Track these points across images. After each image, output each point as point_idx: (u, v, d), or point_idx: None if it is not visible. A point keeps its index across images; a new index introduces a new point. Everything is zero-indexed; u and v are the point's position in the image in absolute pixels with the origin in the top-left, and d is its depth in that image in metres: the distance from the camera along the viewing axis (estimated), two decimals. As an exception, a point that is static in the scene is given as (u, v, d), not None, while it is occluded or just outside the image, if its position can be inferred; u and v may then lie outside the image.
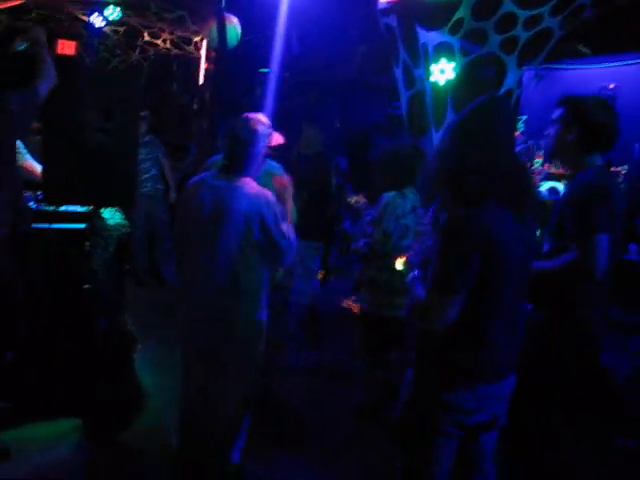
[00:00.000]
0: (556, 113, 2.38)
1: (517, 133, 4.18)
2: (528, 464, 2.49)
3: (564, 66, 4.77)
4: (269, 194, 2.58)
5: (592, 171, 2.33)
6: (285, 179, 2.79)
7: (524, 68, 4.26)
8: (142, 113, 6.19)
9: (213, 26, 4.16)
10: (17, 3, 5.55)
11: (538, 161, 4.33)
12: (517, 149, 2.84)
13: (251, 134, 2.55)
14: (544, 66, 4.49)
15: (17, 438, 3.08)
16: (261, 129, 2.58)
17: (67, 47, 7.43)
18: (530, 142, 2.78)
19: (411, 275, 2.07)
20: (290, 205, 2.79)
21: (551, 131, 2.40)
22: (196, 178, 2.72)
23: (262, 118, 2.64)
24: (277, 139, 2.75)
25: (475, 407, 1.87)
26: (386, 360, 3.53)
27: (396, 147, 3.61)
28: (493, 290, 1.81)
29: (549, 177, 3.96)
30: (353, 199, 4.33)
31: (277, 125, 2.86)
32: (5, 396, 3.31)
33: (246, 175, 2.57)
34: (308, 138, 4.75)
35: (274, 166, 2.94)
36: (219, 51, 4.40)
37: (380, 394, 3.47)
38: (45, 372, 3.49)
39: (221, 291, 2.57)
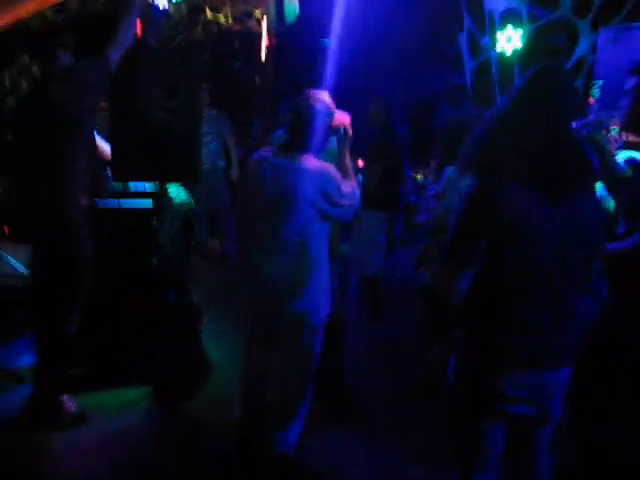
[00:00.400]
0: (628, 83, 2.24)
1: (591, 100, 3.95)
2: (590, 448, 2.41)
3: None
4: (330, 167, 2.58)
5: None
6: (344, 116, 2.74)
7: (599, 31, 4.01)
8: (204, 86, 6.25)
9: (270, 2, 4.14)
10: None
11: (615, 129, 4.08)
12: (587, 119, 2.68)
13: (312, 111, 2.55)
14: (624, 25, 4.20)
15: (92, 403, 3.27)
16: (322, 106, 2.57)
17: (133, 26, 7.60)
18: (604, 114, 2.62)
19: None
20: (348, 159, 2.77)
21: (624, 102, 2.26)
22: (257, 155, 2.74)
23: (324, 95, 2.62)
24: (343, 117, 2.73)
25: (514, 395, 1.80)
26: (446, 337, 3.49)
27: (459, 117, 3.50)
28: (521, 274, 1.73)
29: (628, 146, 3.74)
30: (418, 175, 4.27)
31: (341, 100, 2.83)
32: (80, 363, 3.50)
33: (307, 152, 2.58)
34: (375, 111, 4.71)
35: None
36: (279, 26, 4.39)
37: (437, 372, 3.44)
38: (117, 342, 3.67)
39: (284, 268, 2.60)
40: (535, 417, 1.85)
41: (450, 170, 3.29)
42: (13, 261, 5.34)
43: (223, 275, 5.52)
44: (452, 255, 1.81)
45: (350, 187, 2.63)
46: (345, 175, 2.68)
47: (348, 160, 2.76)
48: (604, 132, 3.13)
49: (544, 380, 1.82)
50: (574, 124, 2.57)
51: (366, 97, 5.00)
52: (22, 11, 4.48)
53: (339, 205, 2.57)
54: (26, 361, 3.61)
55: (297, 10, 4.31)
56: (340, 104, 2.73)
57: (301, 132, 2.56)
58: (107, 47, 2.96)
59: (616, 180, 2.44)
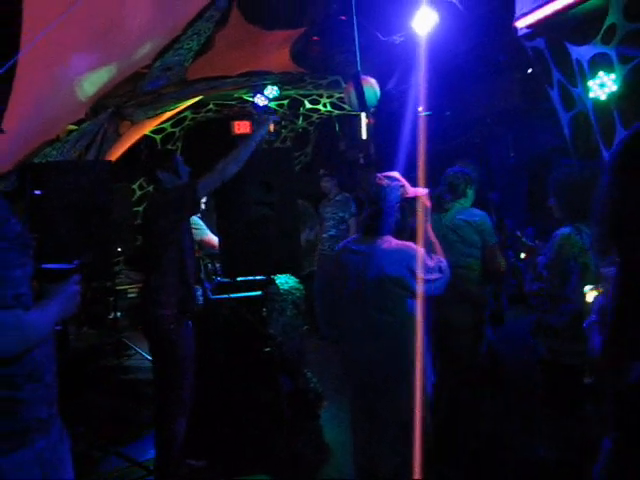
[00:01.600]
0: None
1: None
2: None
3: None
4: (410, 245, 2.56)
5: None
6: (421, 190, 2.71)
7: None
8: (321, 172, 6.47)
9: (351, 90, 4.32)
10: (197, 99, 6.32)
11: None
12: None
13: (379, 191, 2.59)
14: None
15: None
16: (388, 184, 2.61)
17: (242, 127, 8.25)
18: None
19: (588, 319, 1.88)
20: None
21: None
22: (341, 244, 2.82)
23: (393, 174, 2.66)
24: (418, 191, 2.72)
25: None
26: (575, 414, 3.18)
27: (574, 170, 3.29)
28: None
29: None
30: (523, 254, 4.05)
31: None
32: (200, 454, 3.63)
33: (386, 234, 2.59)
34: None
35: None
36: (364, 111, 4.57)
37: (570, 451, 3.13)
38: (236, 431, 3.77)
39: (380, 350, 2.58)
40: None
41: (562, 232, 3.08)
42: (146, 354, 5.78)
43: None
44: (618, 339, 1.60)
45: (435, 260, 2.59)
46: (430, 249, 2.65)
47: (431, 233, 2.72)
48: None
49: None
50: None
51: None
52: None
53: (426, 280, 2.53)
54: (154, 454, 3.81)
55: (378, 93, 4.44)
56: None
57: (374, 215, 2.59)
58: (203, 177, 3.24)
59: None
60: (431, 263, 2.55)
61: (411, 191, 2.70)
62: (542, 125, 7.47)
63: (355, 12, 4.03)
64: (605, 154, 4.00)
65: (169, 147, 7.75)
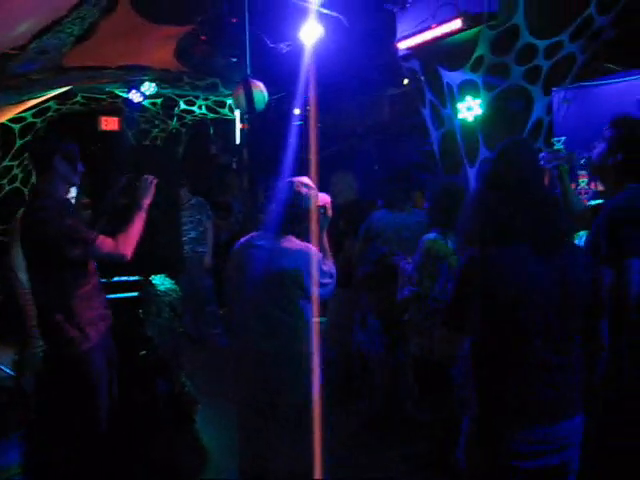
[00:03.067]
0: (606, 132, 2.33)
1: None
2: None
3: (595, 83, 4.70)
4: (311, 247, 2.66)
5: (631, 192, 2.26)
6: (325, 197, 2.85)
7: (553, 92, 4.24)
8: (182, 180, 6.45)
9: (240, 92, 4.35)
10: (64, 90, 5.93)
11: (583, 180, 4.24)
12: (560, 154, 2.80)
13: (297, 197, 2.66)
14: (575, 85, 4.45)
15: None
16: (304, 191, 2.69)
17: (110, 123, 7.88)
18: (576, 152, 2.76)
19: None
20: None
21: (599, 148, 2.35)
22: (242, 240, 2.84)
23: (306, 180, 2.75)
24: (324, 198, 2.85)
25: (529, 450, 1.83)
26: (442, 403, 3.46)
27: (449, 183, 3.60)
28: (520, 326, 1.82)
29: (597, 196, 3.88)
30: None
31: (318, 178, 2.93)
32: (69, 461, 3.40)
33: (290, 234, 2.67)
34: (339, 188, 4.84)
35: None
36: (252, 114, 4.62)
37: (441, 439, 3.40)
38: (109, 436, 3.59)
39: (275, 347, 2.62)
40: (552, 467, 1.87)
41: (427, 238, 3.35)
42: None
43: (214, 361, 5.47)
44: (451, 319, 1.96)
45: (329, 266, 2.71)
46: (324, 254, 2.76)
47: (326, 239, 2.85)
48: (572, 186, 3.25)
49: (561, 431, 1.86)
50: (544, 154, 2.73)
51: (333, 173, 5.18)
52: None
53: (321, 284, 2.64)
54: (10, 460, 3.53)
55: (266, 97, 4.53)
56: (318, 185, 2.85)
57: (283, 216, 2.66)
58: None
59: (575, 218, 2.55)
60: (325, 267, 2.67)
61: (321, 198, 2.81)
62: (405, 141, 8.02)
63: (247, 16, 4.08)
64: (469, 170, 4.43)
65: (29, 139, 7.18)
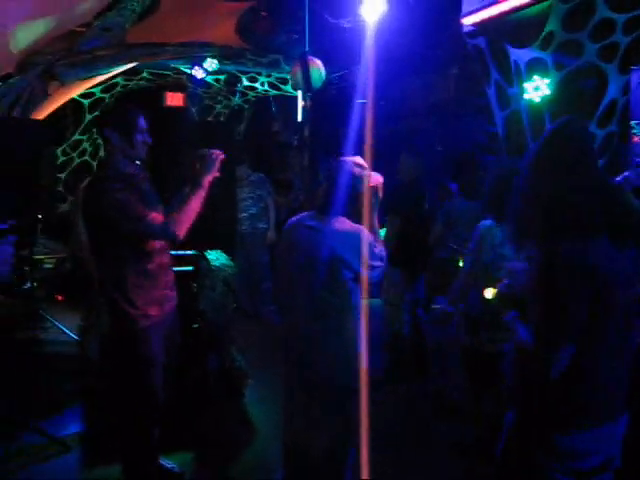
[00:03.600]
0: None
1: (636, 139, 3.86)
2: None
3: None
4: (363, 229, 2.60)
5: None
6: (377, 178, 2.77)
7: (631, 71, 3.96)
8: (244, 157, 6.50)
9: (297, 70, 4.30)
10: (130, 66, 6.06)
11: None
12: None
13: (346, 177, 2.61)
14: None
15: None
16: (357, 171, 2.63)
17: (175, 99, 8.00)
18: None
19: (509, 314, 1.98)
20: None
21: None
22: (293, 219, 2.82)
23: (358, 160, 2.69)
24: (376, 179, 2.77)
25: (589, 450, 1.75)
26: (492, 394, 3.37)
27: (505, 168, 3.44)
28: (600, 326, 1.69)
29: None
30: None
31: (377, 155, 2.87)
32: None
33: (341, 214, 2.62)
34: (405, 166, 4.73)
35: None
36: (310, 91, 4.56)
37: (487, 430, 3.31)
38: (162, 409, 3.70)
39: (323, 330, 2.60)
40: (599, 465, 1.78)
41: (483, 225, 3.22)
42: (65, 329, 5.54)
43: (268, 337, 5.53)
44: (550, 333, 1.69)
45: (380, 248, 2.65)
46: (374, 236, 2.70)
47: (376, 221, 2.78)
48: None
49: (616, 429, 1.79)
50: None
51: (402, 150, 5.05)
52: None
53: (371, 267, 2.58)
54: (73, 429, 3.68)
55: (323, 75, 4.46)
56: (376, 164, 2.78)
57: (335, 196, 2.61)
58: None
59: None
60: (376, 250, 2.61)
61: (372, 179, 2.74)
62: (470, 121, 7.76)
63: (307, -9, 4.01)
64: (534, 154, 4.22)
65: (97, 113, 7.41)
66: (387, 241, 4.35)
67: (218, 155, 2.83)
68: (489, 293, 2.61)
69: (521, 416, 1.86)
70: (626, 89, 4.01)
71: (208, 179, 2.80)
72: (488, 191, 3.33)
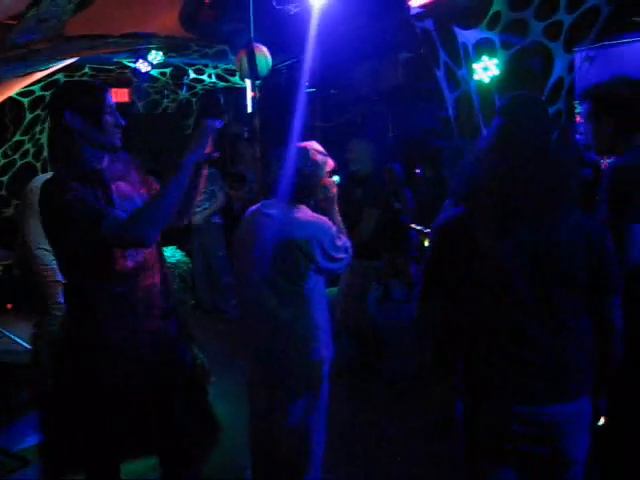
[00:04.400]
0: (582, 109, 2.23)
1: (578, 118, 3.93)
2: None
3: (621, 41, 4.46)
4: (326, 220, 2.56)
5: (632, 153, 2.16)
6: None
7: (575, 51, 4.03)
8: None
9: (243, 57, 4.21)
10: (71, 61, 5.82)
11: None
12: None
13: (313, 165, 2.55)
14: (598, 44, 4.23)
15: None
16: (319, 158, 2.58)
17: (120, 94, 7.77)
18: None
19: None
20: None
21: (585, 129, 2.25)
22: (251, 209, 2.75)
23: (317, 146, 2.64)
24: (330, 164, 2.72)
25: (522, 431, 1.71)
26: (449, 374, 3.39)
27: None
28: (502, 306, 1.70)
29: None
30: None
31: (329, 144, 2.82)
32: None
33: (301, 203, 2.57)
34: (357, 154, 4.67)
35: None
36: (256, 79, 4.47)
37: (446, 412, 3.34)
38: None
39: (284, 320, 2.55)
40: (545, 453, 1.75)
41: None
42: (16, 337, 5.32)
43: (229, 332, 5.45)
44: (427, 287, 1.85)
45: (342, 240, 2.60)
46: (337, 227, 2.65)
47: (337, 211, 2.73)
48: None
49: (555, 413, 1.72)
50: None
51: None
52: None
53: (334, 259, 2.53)
54: (30, 442, 3.52)
55: (270, 63, 4.38)
56: (328, 146, 2.73)
57: (296, 184, 2.55)
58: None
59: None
60: (339, 242, 2.57)
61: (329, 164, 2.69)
62: (420, 107, 7.81)
63: (251, -23, 3.92)
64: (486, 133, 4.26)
65: (38, 112, 7.11)
66: (364, 234, 4.28)
67: (212, 125, 2.17)
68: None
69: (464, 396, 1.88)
70: (570, 68, 4.09)
71: (193, 158, 2.12)
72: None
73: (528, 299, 1.69)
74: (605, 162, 3.28)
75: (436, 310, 1.82)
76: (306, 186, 2.56)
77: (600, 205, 2.16)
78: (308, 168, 2.55)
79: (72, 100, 2.13)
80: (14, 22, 3.70)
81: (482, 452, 1.79)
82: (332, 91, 8.14)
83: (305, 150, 2.58)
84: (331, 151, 2.75)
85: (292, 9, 4.46)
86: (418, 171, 7.40)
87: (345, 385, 4.13)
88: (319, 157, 2.59)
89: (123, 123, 2.21)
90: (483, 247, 1.68)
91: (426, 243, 3.94)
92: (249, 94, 7.77)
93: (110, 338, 2.22)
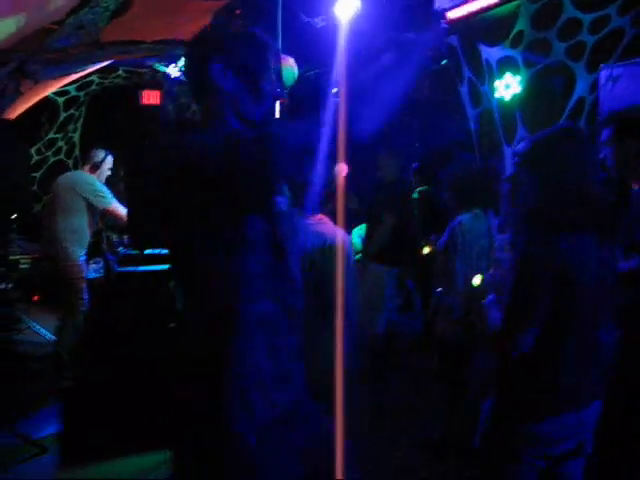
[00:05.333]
0: (604, 135, 2.27)
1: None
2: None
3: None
4: (344, 233, 2.61)
5: None
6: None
7: (601, 68, 4.05)
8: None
9: (270, 68, 4.31)
10: (105, 64, 6.01)
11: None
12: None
13: (333, 176, 2.61)
14: (623, 63, 4.24)
15: (111, 471, 3.28)
16: (335, 168, 2.64)
17: (152, 97, 7.95)
18: None
19: (488, 298, 2.05)
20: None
21: (608, 154, 2.28)
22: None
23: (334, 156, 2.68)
24: (344, 169, 2.79)
25: (561, 436, 1.82)
26: (466, 388, 3.43)
27: (466, 165, 3.53)
28: (568, 316, 1.78)
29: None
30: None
31: (354, 153, 2.87)
32: (100, 427, 3.51)
33: (320, 211, 2.63)
34: (386, 166, 4.77)
35: None
36: (282, 90, 4.55)
37: (460, 425, 3.38)
38: (136, 407, 3.69)
39: None
40: (571, 450, 1.86)
41: (459, 219, 3.28)
42: (40, 329, 5.50)
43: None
44: (516, 312, 1.81)
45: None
46: None
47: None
48: None
49: (587, 416, 1.86)
50: None
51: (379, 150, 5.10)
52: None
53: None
54: (50, 430, 3.66)
55: (296, 74, 4.48)
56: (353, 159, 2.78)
57: (313, 193, 2.61)
58: None
59: None
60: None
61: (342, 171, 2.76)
62: (448, 119, 7.83)
63: (280, -11, 4.02)
64: (506, 150, 4.30)
65: (72, 111, 7.34)
66: (380, 239, 4.37)
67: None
68: (477, 280, 2.68)
69: (497, 403, 1.92)
70: (594, 87, 4.11)
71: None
72: (458, 187, 3.39)
73: (591, 309, 1.81)
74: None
75: (524, 333, 1.79)
76: (323, 194, 2.62)
77: (632, 230, 2.19)
78: (324, 179, 2.61)
79: (221, 50, 1.57)
80: (55, 27, 3.87)
81: (515, 455, 1.85)
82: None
83: (323, 162, 2.64)
84: (356, 160, 2.80)
85: (319, 22, 4.56)
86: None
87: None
88: (335, 167, 2.65)
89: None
90: (576, 270, 1.75)
91: (426, 250, 3.97)
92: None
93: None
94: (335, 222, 2.68)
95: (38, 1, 3.15)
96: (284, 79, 4.28)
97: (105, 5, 3.71)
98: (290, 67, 4.39)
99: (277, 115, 8.06)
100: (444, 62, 5.59)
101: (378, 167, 4.80)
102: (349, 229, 5.56)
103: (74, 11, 3.59)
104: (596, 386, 1.88)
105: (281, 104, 8.17)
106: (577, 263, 1.75)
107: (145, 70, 7.16)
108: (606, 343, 1.89)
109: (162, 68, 6.68)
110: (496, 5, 3.68)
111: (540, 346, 1.79)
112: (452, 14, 4.03)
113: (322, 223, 2.62)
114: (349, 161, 2.80)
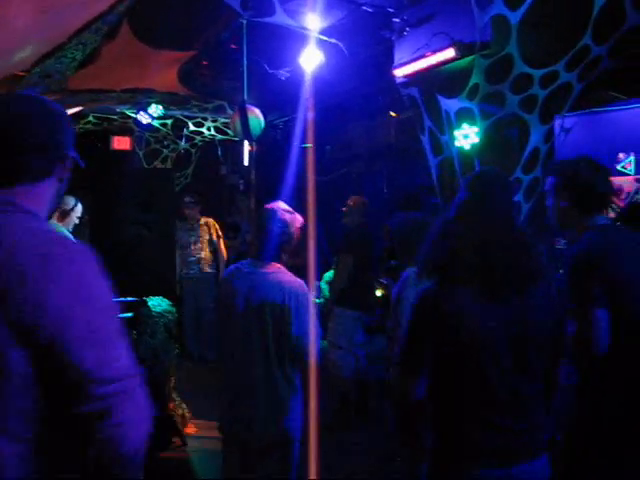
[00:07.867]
0: (547, 183, 2.36)
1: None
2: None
3: (596, 110, 4.69)
4: (303, 285, 2.65)
5: (589, 234, 2.22)
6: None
7: (551, 121, 4.23)
8: (187, 199, 6.56)
9: (236, 119, 4.42)
10: (76, 111, 6.05)
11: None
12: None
13: (283, 224, 2.66)
14: (575, 113, 4.45)
15: None
16: (287, 217, 2.69)
17: (122, 142, 8.00)
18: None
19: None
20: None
21: (548, 203, 2.36)
22: (232, 266, 2.85)
23: (283, 205, 2.74)
24: (299, 220, 2.84)
25: None
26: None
27: (415, 217, 3.57)
28: (455, 366, 1.78)
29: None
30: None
31: (321, 198, 2.91)
32: None
33: (277, 261, 2.67)
34: (349, 212, 4.88)
35: None
36: (249, 140, 4.67)
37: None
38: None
39: (261, 379, 2.60)
40: None
41: (409, 272, 3.31)
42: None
43: (213, 382, 5.44)
44: (404, 361, 1.88)
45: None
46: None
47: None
48: None
49: (513, 473, 1.78)
50: None
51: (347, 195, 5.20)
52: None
53: (306, 328, 2.58)
54: None
55: (262, 124, 4.59)
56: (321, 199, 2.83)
57: (268, 243, 2.65)
58: None
59: None
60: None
61: (298, 221, 2.80)
62: (415, 164, 8.01)
63: (245, 42, 4.15)
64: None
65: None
66: (339, 280, 4.45)
67: None
68: None
69: (430, 459, 1.90)
70: (549, 137, 4.28)
71: None
72: (400, 241, 3.43)
73: (507, 366, 1.77)
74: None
75: (415, 382, 1.84)
76: (278, 245, 2.66)
77: (562, 293, 2.21)
78: (278, 228, 2.66)
79: None
80: (23, 74, 3.91)
81: None
82: (327, 147, 8.39)
83: (273, 211, 2.70)
84: (326, 204, 2.85)
85: (284, 74, 4.69)
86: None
87: (333, 439, 4.11)
88: (287, 216, 2.70)
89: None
90: (467, 320, 1.74)
91: (378, 293, 4.01)
92: (246, 147, 8.01)
93: None
94: (291, 272, 2.72)
95: (4, 51, 3.20)
96: (251, 129, 4.38)
97: (72, 56, 3.78)
98: (256, 117, 4.50)
99: (246, 162, 8.19)
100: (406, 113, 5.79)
101: (344, 214, 4.91)
102: (319, 275, 5.61)
103: (41, 61, 3.65)
104: (531, 445, 1.81)
105: (250, 151, 8.33)
106: (464, 316, 1.74)
107: (115, 116, 7.22)
108: (547, 399, 1.87)
109: (132, 114, 6.75)
110: (453, 59, 3.84)
111: (449, 402, 1.81)
112: (412, 67, 4.19)
113: (280, 272, 2.65)
114: (319, 209, 2.87)
